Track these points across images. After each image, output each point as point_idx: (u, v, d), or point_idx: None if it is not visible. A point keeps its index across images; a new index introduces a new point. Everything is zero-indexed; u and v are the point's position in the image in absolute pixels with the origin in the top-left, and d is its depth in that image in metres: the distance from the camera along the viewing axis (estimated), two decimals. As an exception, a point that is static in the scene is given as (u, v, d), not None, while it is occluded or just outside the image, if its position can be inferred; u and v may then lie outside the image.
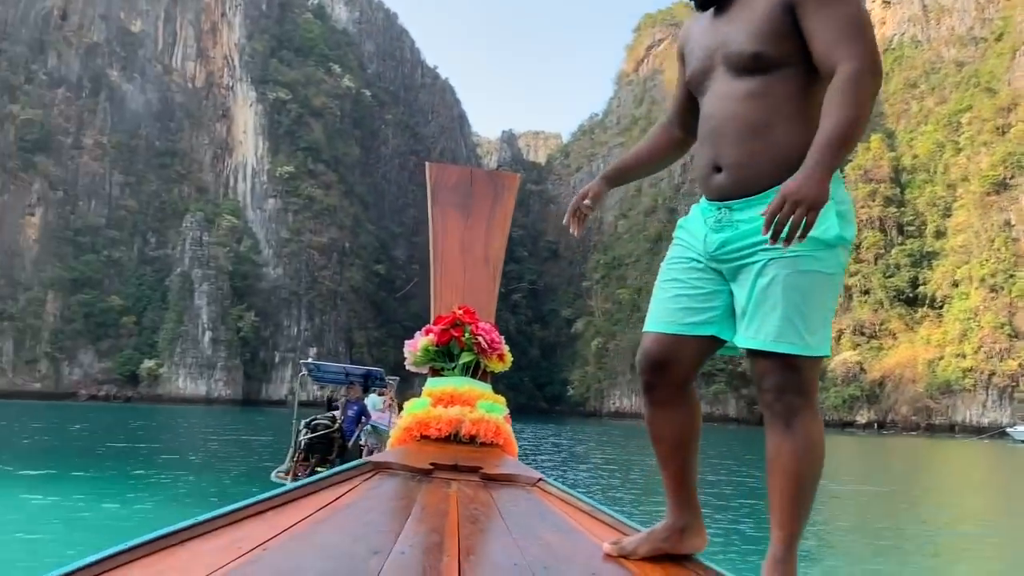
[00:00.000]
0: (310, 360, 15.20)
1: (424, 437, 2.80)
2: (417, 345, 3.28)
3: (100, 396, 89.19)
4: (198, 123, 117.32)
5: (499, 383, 3.64)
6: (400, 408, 13.44)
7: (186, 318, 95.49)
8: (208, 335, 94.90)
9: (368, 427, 11.82)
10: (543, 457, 23.79)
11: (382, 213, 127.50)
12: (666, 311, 2.00)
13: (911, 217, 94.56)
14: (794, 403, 1.82)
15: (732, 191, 1.91)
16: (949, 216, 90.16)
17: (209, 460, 20.46)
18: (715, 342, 1.99)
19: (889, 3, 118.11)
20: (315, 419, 10.88)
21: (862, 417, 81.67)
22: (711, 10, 2.06)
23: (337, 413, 11.18)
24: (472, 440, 2.80)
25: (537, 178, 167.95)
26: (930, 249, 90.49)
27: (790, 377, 1.81)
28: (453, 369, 3.20)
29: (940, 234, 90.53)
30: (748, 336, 1.86)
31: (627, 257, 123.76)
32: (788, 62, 1.87)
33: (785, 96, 1.88)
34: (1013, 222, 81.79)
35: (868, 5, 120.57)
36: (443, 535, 1.69)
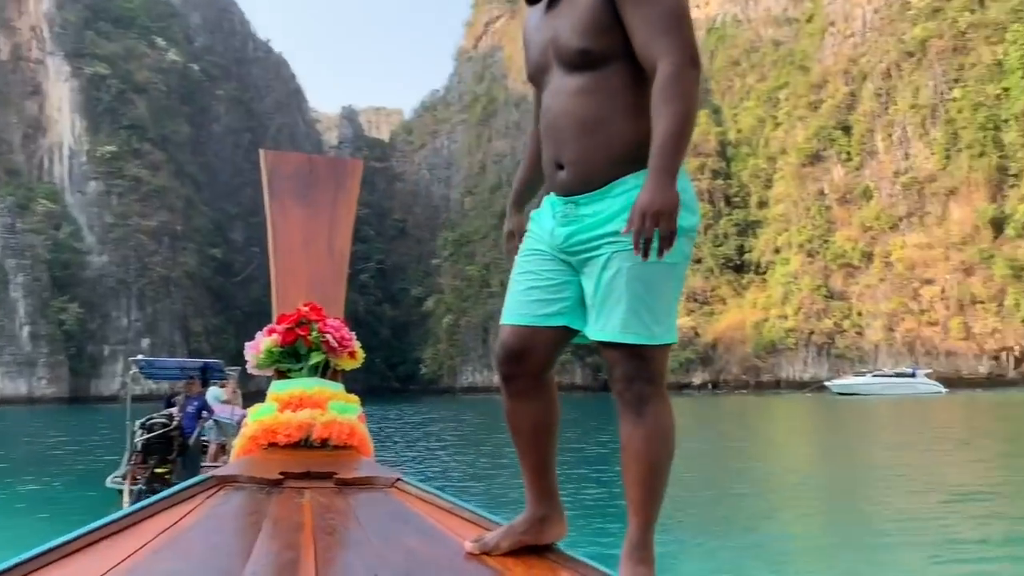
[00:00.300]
0: (140, 357, 14.30)
1: (272, 445, 2.64)
2: (260, 346, 3.10)
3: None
4: (5, 100, 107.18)
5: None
6: (244, 399, 12.96)
7: (0, 313, 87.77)
8: (27, 330, 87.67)
9: (211, 422, 11.30)
10: (401, 443, 23.65)
11: (217, 194, 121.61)
12: (520, 303, 2.02)
13: (736, 189, 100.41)
14: (644, 391, 1.85)
15: (575, 187, 1.93)
16: (770, 187, 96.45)
17: (36, 465, 18.94)
18: (568, 332, 2.01)
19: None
20: (151, 418, 10.24)
21: (697, 378, 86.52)
22: (543, 2, 2.06)
23: (175, 410, 10.60)
24: (324, 444, 2.68)
25: (381, 155, 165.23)
26: (754, 218, 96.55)
27: (639, 366, 1.85)
28: (301, 370, 3.05)
29: (763, 204, 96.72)
30: (597, 328, 1.89)
31: (475, 234, 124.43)
32: (616, 56, 1.88)
33: (616, 90, 1.89)
34: (826, 191, 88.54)
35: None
36: (298, 550, 1.60)
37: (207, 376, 13.13)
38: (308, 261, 3.75)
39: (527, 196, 2.34)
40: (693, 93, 1.77)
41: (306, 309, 3.23)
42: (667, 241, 1.71)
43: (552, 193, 2.04)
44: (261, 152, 3.97)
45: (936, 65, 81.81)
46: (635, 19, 1.82)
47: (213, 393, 12.58)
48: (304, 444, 2.67)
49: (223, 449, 11.55)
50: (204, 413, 10.71)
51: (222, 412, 11.52)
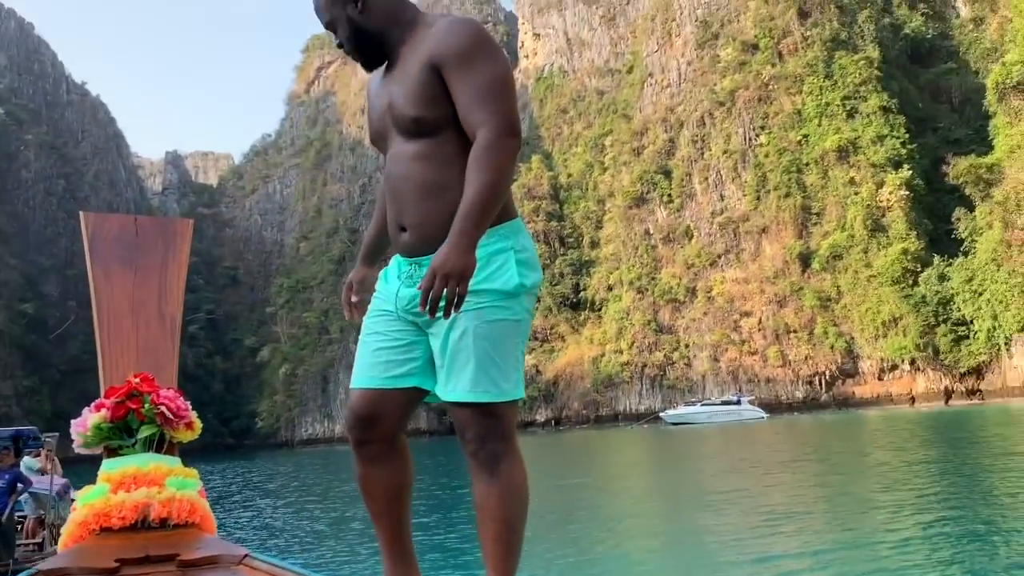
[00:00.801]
0: None
1: (105, 530, 2.49)
2: (87, 424, 2.92)
3: None
4: None
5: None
6: (64, 465, 11.96)
7: None
8: None
9: (26, 495, 10.36)
10: (241, 507, 22.54)
11: (27, 245, 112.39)
12: (369, 365, 2.01)
13: (570, 230, 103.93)
14: (496, 450, 1.88)
15: (417, 249, 1.95)
16: (601, 228, 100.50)
17: None
18: (419, 392, 2.03)
19: (539, 35, 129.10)
20: None
21: (541, 416, 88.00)
22: (382, 68, 2.09)
23: None
24: (164, 524, 2.55)
25: (209, 201, 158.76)
26: (587, 258, 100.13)
27: (490, 424, 1.88)
28: (133, 446, 2.91)
29: (595, 244, 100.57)
30: (447, 389, 1.91)
31: (311, 280, 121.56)
32: (449, 124, 1.90)
33: (452, 156, 1.90)
34: (651, 231, 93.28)
35: (521, 37, 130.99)
36: None
37: (21, 445, 12.05)
38: (137, 329, 3.56)
39: (376, 254, 2.35)
40: (506, 164, 1.80)
41: (137, 380, 3.07)
42: (456, 303, 1.72)
43: (397, 254, 2.08)
44: (81, 214, 3.72)
45: (744, 114, 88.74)
46: (458, 89, 1.86)
47: (27, 463, 11.55)
48: (141, 526, 2.53)
49: (41, 523, 10.62)
50: (19, 486, 9.81)
51: (39, 483, 10.60)
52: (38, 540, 10.38)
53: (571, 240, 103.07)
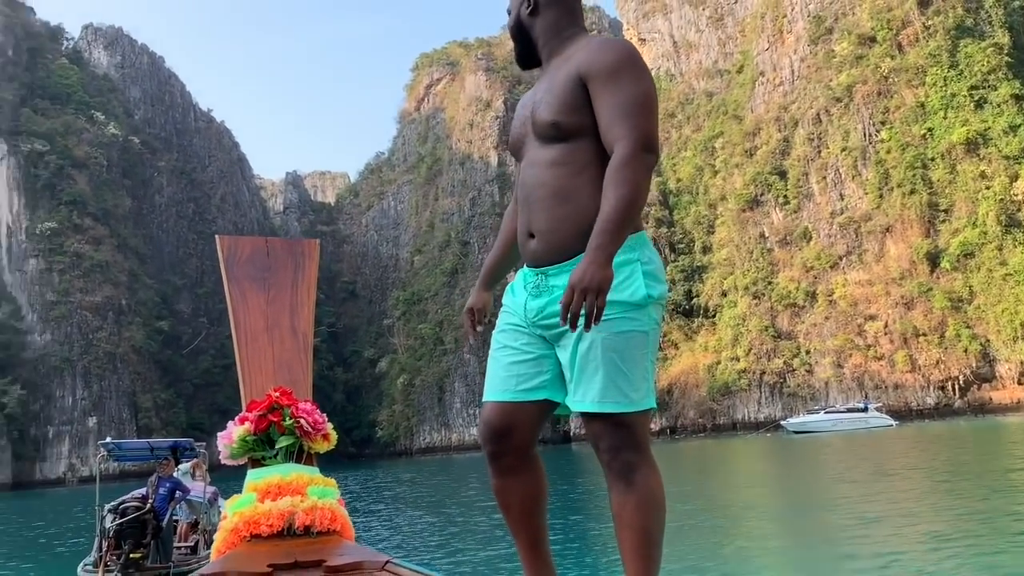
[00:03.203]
0: (109, 440, 13.90)
1: (255, 537, 2.64)
2: (232, 436, 3.10)
3: None
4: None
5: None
6: (208, 472, 12.65)
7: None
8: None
9: (183, 502, 11.03)
10: (372, 514, 23.20)
11: (161, 266, 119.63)
12: (501, 379, 2.06)
13: (681, 235, 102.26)
14: (631, 459, 1.89)
15: (545, 257, 1.99)
16: (713, 232, 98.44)
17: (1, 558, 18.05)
18: (550, 405, 2.06)
19: (644, 40, 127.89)
20: (123, 502, 9.89)
21: (655, 425, 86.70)
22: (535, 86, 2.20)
23: (146, 490, 10.29)
24: (308, 531, 2.68)
25: (328, 219, 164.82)
26: (700, 264, 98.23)
27: (622, 435, 1.88)
28: (275, 456, 3.07)
29: (707, 249, 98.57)
30: (576, 400, 1.92)
31: (426, 292, 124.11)
32: (585, 133, 1.96)
33: (585, 164, 1.96)
34: (767, 234, 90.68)
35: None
36: None
37: (179, 455, 12.84)
38: (272, 345, 3.72)
39: (496, 276, 2.41)
40: (643, 179, 1.85)
41: (277, 395, 3.23)
42: (596, 316, 1.75)
43: (524, 265, 2.13)
44: (217, 237, 3.93)
45: (863, 109, 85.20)
46: (602, 102, 1.92)
47: (182, 469, 12.33)
48: (287, 533, 2.66)
49: (194, 528, 11.28)
50: (178, 493, 10.46)
51: (194, 490, 11.29)
52: (191, 544, 11.02)
53: (682, 246, 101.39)
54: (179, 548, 10.60)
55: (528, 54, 2.20)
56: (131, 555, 9.07)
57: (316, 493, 2.82)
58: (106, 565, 9.25)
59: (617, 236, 1.78)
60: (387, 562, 2.30)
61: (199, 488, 11.40)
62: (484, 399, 2.11)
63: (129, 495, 10.15)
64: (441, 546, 13.91)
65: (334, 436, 3.28)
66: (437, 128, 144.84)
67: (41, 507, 41.23)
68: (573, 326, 1.74)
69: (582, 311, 1.74)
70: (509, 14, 2.22)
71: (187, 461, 13.00)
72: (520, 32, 2.17)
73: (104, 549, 9.55)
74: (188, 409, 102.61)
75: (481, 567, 11.17)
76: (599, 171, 1.95)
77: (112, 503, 10.03)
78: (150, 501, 9.79)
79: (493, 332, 2.18)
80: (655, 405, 2.00)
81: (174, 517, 10.65)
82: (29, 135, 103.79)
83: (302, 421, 3.13)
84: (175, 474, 11.01)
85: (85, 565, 9.96)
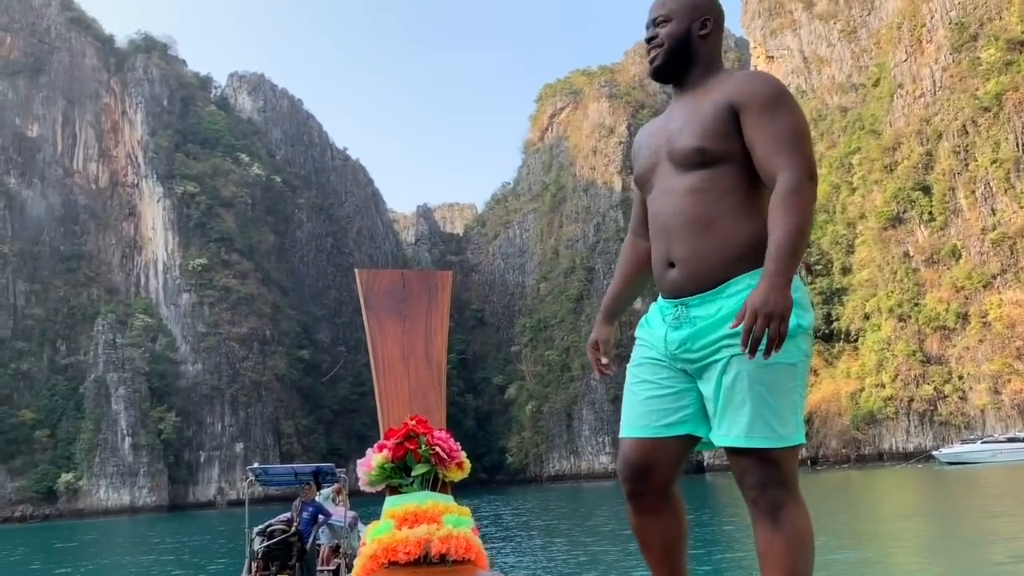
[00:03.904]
0: (256, 465, 14.67)
1: (393, 563, 2.68)
2: (371, 464, 3.17)
3: (15, 518, 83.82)
4: (104, 224, 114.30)
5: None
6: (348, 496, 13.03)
7: (103, 425, 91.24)
8: (128, 441, 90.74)
9: (325, 526, 11.42)
10: (505, 541, 23.34)
11: (302, 297, 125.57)
12: (640, 415, 2.03)
13: (817, 257, 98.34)
14: (778, 497, 1.85)
15: (687, 287, 1.97)
16: (852, 253, 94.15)
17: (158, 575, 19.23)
18: (692, 440, 2.02)
19: (773, 58, 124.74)
20: (270, 525, 10.37)
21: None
22: (658, 117, 2.21)
23: (291, 514, 10.75)
24: (443, 560, 2.70)
25: (456, 249, 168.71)
26: (839, 286, 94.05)
27: (770, 471, 1.85)
28: (411, 484, 3.11)
29: (846, 271, 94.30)
30: (721, 434, 1.90)
31: (552, 319, 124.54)
32: (728, 159, 1.96)
33: (728, 190, 1.96)
34: (911, 253, 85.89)
35: (753, 61, 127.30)
36: None
37: (320, 480, 13.35)
38: (408, 374, 3.81)
39: (617, 309, 2.38)
40: (810, 207, 1.85)
41: (413, 423, 3.29)
42: (777, 343, 1.70)
43: (660, 297, 2.09)
44: (356, 271, 4.09)
45: (1015, 118, 79.69)
46: (759, 132, 1.91)
47: (323, 494, 12.76)
48: (424, 561, 2.70)
49: (335, 552, 11.64)
50: (320, 517, 10.85)
51: (335, 515, 11.66)
52: (333, 568, 11.37)
53: (819, 267, 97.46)
54: (321, 571, 10.94)
55: (673, 70, 2.14)
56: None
57: (451, 522, 2.83)
58: None
59: (793, 261, 1.78)
60: None
61: (340, 513, 11.76)
62: (622, 435, 2.07)
63: (275, 519, 10.59)
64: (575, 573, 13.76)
65: (468, 464, 3.29)
66: (561, 156, 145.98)
67: (195, 528, 43.71)
68: (753, 352, 1.71)
69: (764, 337, 1.72)
70: (652, 25, 2.14)
71: (328, 486, 13.44)
72: (683, 48, 2.11)
73: (254, 570, 9.99)
74: (327, 435, 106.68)
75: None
76: (742, 198, 1.95)
77: (260, 526, 10.49)
78: (295, 524, 10.19)
79: (628, 366, 2.13)
80: (803, 441, 1.92)
81: (316, 541, 11.02)
82: (182, 178, 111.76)
83: (438, 449, 3.18)
84: (317, 498, 11.39)
85: None
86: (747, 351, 1.71)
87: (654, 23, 2.12)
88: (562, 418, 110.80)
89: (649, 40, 2.13)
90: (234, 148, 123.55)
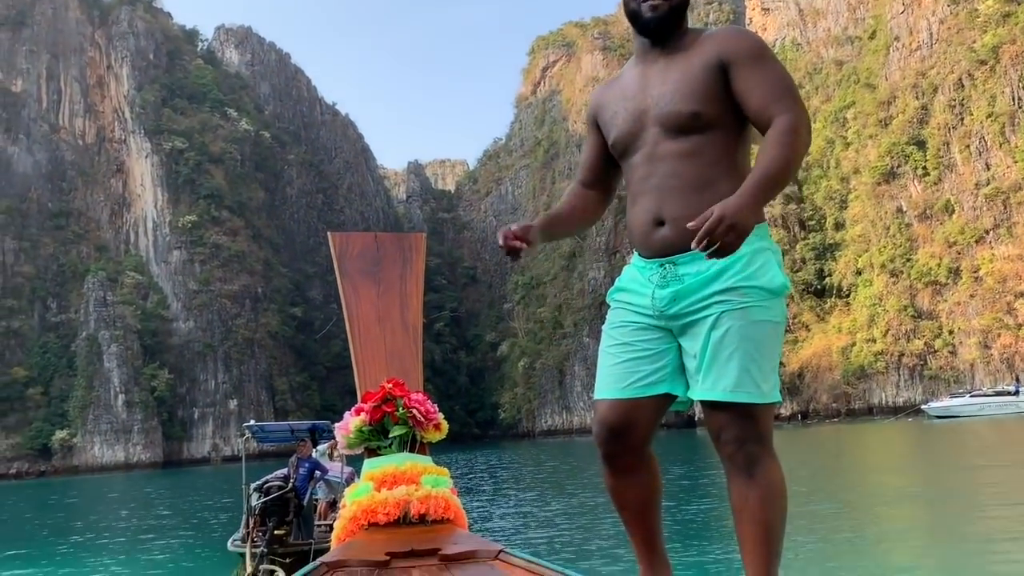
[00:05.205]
0: (252, 422, 14.75)
1: (372, 525, 2.68)
2: (349, 427, 3.16)
3: (10, 474, 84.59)
4: (92, 180, 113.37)
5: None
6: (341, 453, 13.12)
7: (96, 383, 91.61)
8: (121, 398, 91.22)
9: (321, 482, 11.52)
10: (495, 496, 23.58)
11: (294, 255, 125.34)
12: (617, 376, 2.03)
13: (811, 212, 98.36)
14: (754, 452, 1.88)
15: (677, 243, 1.95)
16: (846, 208, 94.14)
17: (153, 532, 19.43)
18: (668, 399, 2.03)
19: (768, 10, 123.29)
20: (267, 481, 10.48)
21: (786, 410, 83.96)
22: (622, 77, 2.14)
23: (288, 471, 10.84)
24: (423, 520, 2.71)
25: (448, 205, 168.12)
26: (832, 241, 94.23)
27: (748, 426, 1.88)
28: (390, 446, 3.10)
29: (839, 226, 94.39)
30: (705, 389, 1.90)
31: (544, 276, 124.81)
32: (720, 123, 1.97)
33: (718, 156, 1.97)
34: (905, 208, 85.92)
35: (748, 14, 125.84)
36: None
37: (317, 437, 13.44)
38: (384, 336, 3.80)
39: (553, 231, 2.28)
40: (802, 151, 1.86)
41: (390, 386, 3.28)
42: (725, 253, 1.72)
43: (637, 258, 2.05)
44: (329, 234, 4.05)
45: (1011, 71, 79.15)
46: (751, 83, 1.91)
47: (319, 450, 12.84)
48: (403, 521, 2.70)
49: (332, 507, 11.77)
50: (317, 473, 10.95)
51: (332, 470, 11.76)
52: (330, 522, 11.49)
53: (812, 223, 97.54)
54: (319, 526, 11.08)
55: (670, 26, 2.03)
56: (275, 531, 9.57)
57: (430, 482, 2.84)
58: (253, 540, 9.80)
59: (772, 191, 1.81)
60: (500, 551, 2.29)
61: (336, 468, 11.88)
62: (597, 397, 2.06)
63: (272, 475, 10.71)
64: (558, 534, 13.92)
65: (445, 426, 3.29)
66: (553, 111, 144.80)
67: (191, 485, 44.11)
68: (701, 246, 1.71)
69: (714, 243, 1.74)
70: None
71: (324, 442, 13.55)
72: (686, 3, 2.03)
73: (251, 526, 10.12)
74: (321, 391, 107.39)
75: (598, 558, 11.12)
76: (732, 163, 1.97)
77: (257, 482, 10.61)
78: (292, 481, 10.29)
79: (604, 327, 2.11)
80: (780, 399, 1.95)
81: (313, 496, 11.15)
82: (170, 133, 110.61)
83: (415, 411, 3.15)
84: (313, 455, 11.48)
85: (234, 540, 10.63)
86: (698, 246, 1.71)
87: None
88: (554, 374, 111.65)
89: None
90: (222, 103, 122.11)
